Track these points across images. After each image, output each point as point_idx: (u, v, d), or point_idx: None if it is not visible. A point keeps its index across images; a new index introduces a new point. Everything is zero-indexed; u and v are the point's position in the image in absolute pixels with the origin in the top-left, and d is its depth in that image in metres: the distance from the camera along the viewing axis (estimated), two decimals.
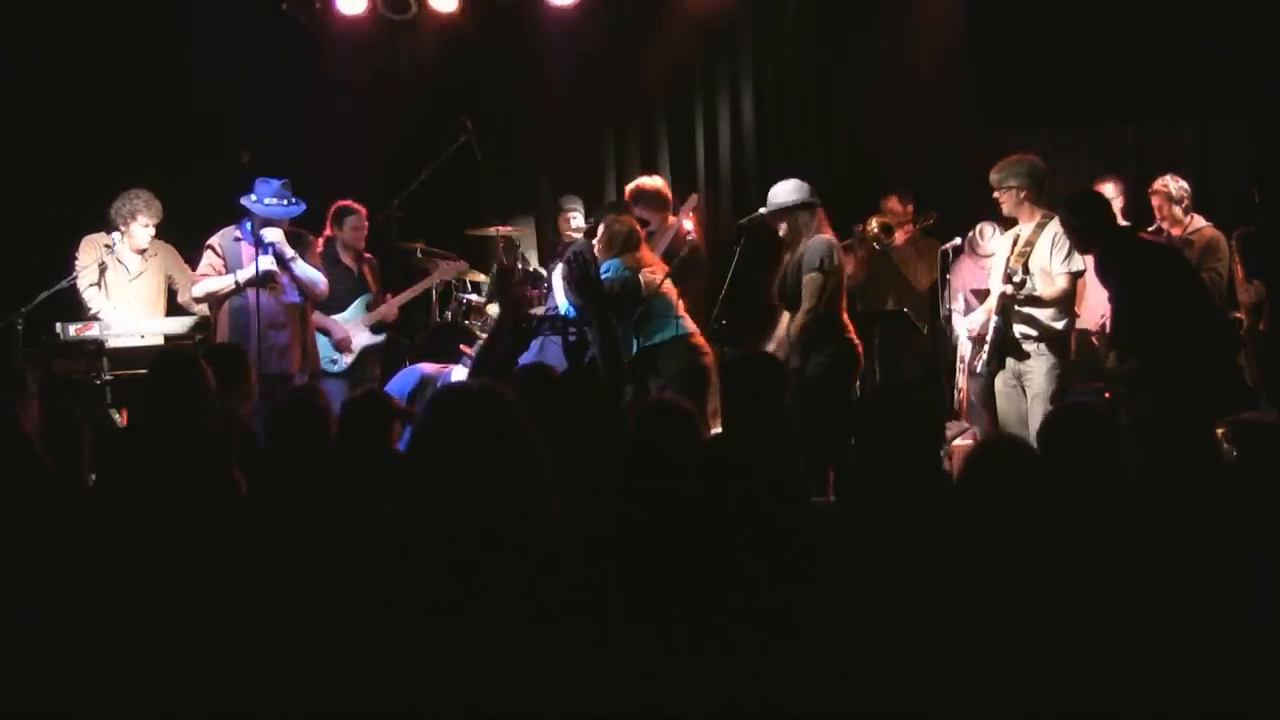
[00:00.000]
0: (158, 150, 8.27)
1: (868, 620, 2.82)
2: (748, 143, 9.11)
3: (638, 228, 6.58)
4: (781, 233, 6.32)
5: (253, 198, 6.67)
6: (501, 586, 2.42)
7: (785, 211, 6.28)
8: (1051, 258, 6.21)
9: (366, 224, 7.66)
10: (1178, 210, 7.39)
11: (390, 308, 7.67)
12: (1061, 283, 6.22)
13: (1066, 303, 6.28)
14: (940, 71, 8.73)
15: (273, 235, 6.67)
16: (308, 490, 3.56)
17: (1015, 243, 6.39)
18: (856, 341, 6.22)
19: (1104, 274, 5.98)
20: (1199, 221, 7.40)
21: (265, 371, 6.31)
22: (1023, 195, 6.35)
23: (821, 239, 6.19)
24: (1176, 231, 7.38)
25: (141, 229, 7.25)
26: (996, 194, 6.44)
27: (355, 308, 7.55)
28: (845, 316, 6.24)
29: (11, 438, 3.71)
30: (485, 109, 8.69)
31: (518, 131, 9.13)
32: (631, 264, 6.38)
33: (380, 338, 7.59)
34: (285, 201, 6.69)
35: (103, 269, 7.23)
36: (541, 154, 9.18)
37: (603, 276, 6.35)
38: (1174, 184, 7.40)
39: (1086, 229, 5.90)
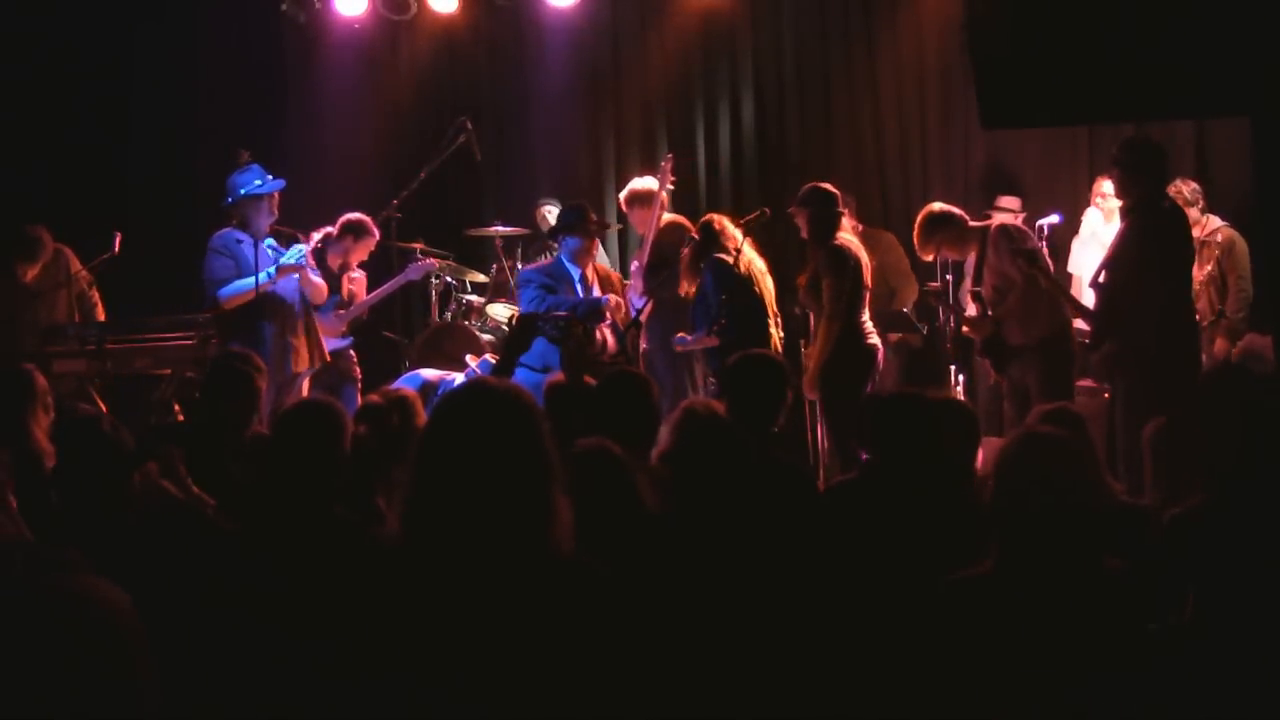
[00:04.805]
0: (157, 150, 8.27)
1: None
2: (748, 143, 9.10)
3: None
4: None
5: (242, 193, 6.61)
6: (498, 601, 2.31)
7: None
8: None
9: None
10: (1194, 212, 7.13)
11: (361, 309, 7.50)
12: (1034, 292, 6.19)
13: (1053, 306, 6.23)
14: (940, 71, 8.72)
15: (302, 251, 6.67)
16: (324, 491, 3.48)
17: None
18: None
19: (1130, 224, 5.99)
20: (1215, 222, 7.19)
21: (283, 373, 6.42)
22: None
23: None
24: (1196, 233, 7.23)
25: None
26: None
27: (325, 307, 7.37)
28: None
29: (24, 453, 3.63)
30: (485, 109, 8.69)
31: (518, 131, 9.13)
32: None
33: (348, 341, 7.43)
34: (271, 177, 6.67)
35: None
36: (541, 154, 9.17)
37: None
38: (1185, 189, 7.15)
39: (1134, 168, 5.92)
